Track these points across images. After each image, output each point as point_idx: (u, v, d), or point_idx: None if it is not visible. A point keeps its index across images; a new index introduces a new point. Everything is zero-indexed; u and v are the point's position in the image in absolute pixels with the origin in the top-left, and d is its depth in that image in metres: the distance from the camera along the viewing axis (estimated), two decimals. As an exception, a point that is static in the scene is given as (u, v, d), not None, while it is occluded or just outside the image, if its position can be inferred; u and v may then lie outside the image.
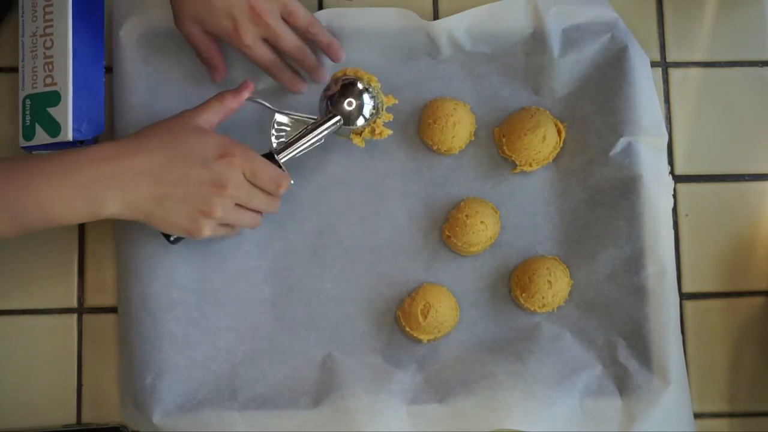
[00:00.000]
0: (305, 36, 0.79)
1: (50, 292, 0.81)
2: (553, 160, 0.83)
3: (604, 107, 0.82)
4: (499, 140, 0.83)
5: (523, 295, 0.80)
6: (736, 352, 0.83)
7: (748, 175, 0.85)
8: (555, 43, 0.83)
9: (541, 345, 0.80)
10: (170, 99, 0.82)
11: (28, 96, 0.79)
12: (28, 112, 0.79)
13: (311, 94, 0.82)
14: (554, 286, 0.80)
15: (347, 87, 0.78)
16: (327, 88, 0.79)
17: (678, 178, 0.84)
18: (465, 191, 0.83)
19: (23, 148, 0.79)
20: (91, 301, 0.82)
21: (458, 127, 0.81)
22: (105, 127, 0.80)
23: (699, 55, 0.86)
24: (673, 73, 0.86)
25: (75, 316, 0.81)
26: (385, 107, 0.79)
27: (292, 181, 0.76)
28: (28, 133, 0.78)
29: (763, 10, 0.87)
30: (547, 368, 0.78)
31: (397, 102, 0.80)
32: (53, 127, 0.78)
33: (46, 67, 0.78)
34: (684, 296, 0.83)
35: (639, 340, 0.79)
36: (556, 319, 0.81)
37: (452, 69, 0.84)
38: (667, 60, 0.86)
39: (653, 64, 0.85)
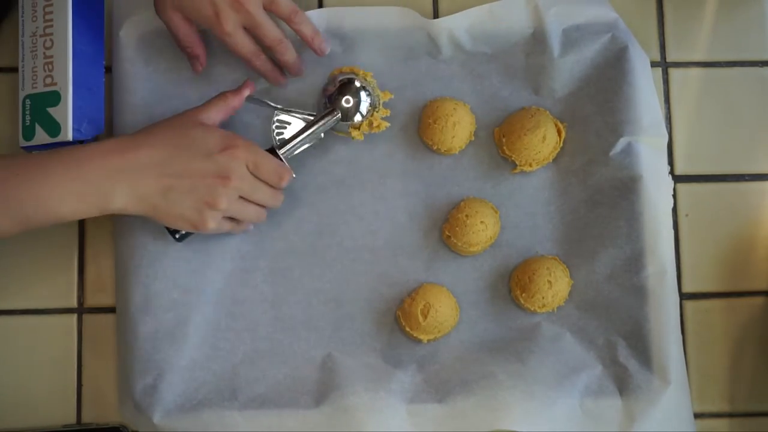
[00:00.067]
0: (288, 25, 0.79)
1: (50, 292, 0.81)
2: (553, 160, 0.83)
3: (604, 107, 0.82)
4: (499, 140, 0.83)
5: (523, 295, 0.80)
6: (736, 352, 0.83)
7: (748, 175, 0.85)
8: (555, 43, 0.82)
9: (541, 345, 0.80)
10: (170, 99, 0.82)
11: (28, 96, 0.79)
12: (28, 112, 0.79)
13: (311, 94, 0.83)
14: (554, 286, 0.80)
15: (345, 85, 0.81)
16: (325, 88, 0.81)
17: (678, 178, 0.84)
18: (465, 191, 0.83)
19: (23, 148, 0.79)
20: (90, 300, 0.82)
21: (458, 127, 0.81)
22: (105, 127, 0.80)
23: (699, 55, 0.86)
24: (673, 73, 0.86)
25: (75, 316, 0.81)
26: (381, 102, 0.82)
27: (293, 176, 0.77)
28: (28, 133, 0.78)
29: (763, 10, 0.87)
30: (547, 368, 0.78)
31: (393, 97, 0.82)
32: (53, 127, 0.78)
33: (46, 67, 0.78)
34: (684, 296, 0.83)
35: (639, 340, 0.79)
36: (556, 319, 0.81)
37: (452, 69, 0.84)
38: (667, 60, 0.86)
39: (653, 64, 0.85)
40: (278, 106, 0.80)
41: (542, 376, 0.78)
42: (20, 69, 0.79)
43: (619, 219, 0.81)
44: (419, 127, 0.83)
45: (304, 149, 0.80)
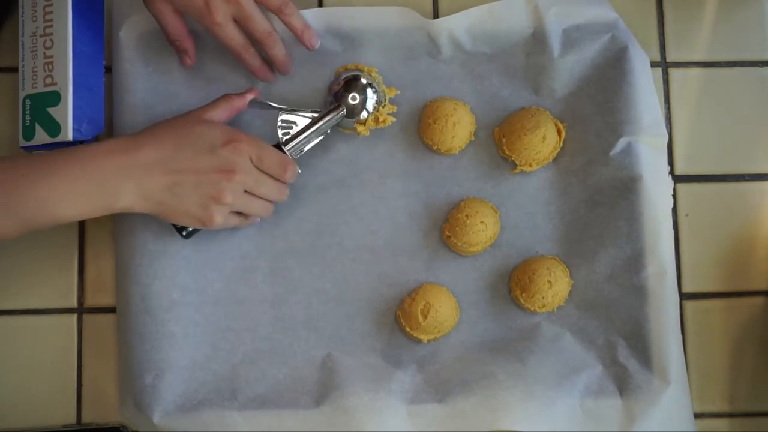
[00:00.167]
0: (279, 17, 0.79)
1: (50, 292, 0.81)
2: (553, 160, 0.83)
3: (604, 107, 0.82)
4: (499, 140, 0.83)
5: (523, 295, 0.80)
6: (736, 352, 0.83)
7: (748, 175, 0.85)
8: (555, 43, 0.82)
9: (541, 345, 0.80)
10: (170, 99, 0.82)
11: (28, 96, 0.79)
12: (28, 112, 0.79)
13: (313, 95, 0.83)
14: (554, 286, 0.80)
15: (350, 82, 0.81)
16: (330, 86, 0.82)
17: (678, 178, 0.84)
18: (465, 191, 0.83)
19: (23, 148, 0.79)
20: (90, 300, 0.82)
21: (458, 127, 0.81)
22: (105, 127, 0.80)
23: (699, 55, 0.86)
24: (673, 73, 0.86)
25: (75, 316, 0.81)
26: (387, 98, 0.82)
27: (299, 170, 0.78)
28: (28, 133, 0.78)
29: (762, 10, 0.87)
30: (547, 368, 0.78)
31: (399, 93, 0.82)
32: (53, 127, 0.78)
33: (46, 67, 0.78)
34: (684, 296, 0.83)
35: (639, 340, 0.79)
36: (556, 319, 0.81)
37: (452, 69, 0.84)
38: (667, 60, 0.86)
39: (653, 64, 0.85)
40: (282, 107, 0.80)
41: (542, 376, 0.78)
42: (20, 69, 0.79)
43: (619, 219, 0.81)
44: (419, 127, 0.83)
45: (312, 147, 0.80)
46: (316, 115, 0.80)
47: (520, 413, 0.76)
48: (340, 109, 0.80)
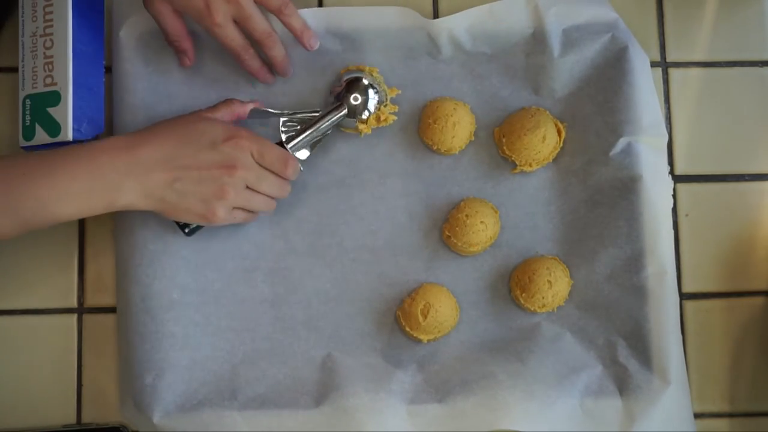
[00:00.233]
0: (278, 18, 0.78)
1: (50, 292, 0.81)
2: (553, 160, 0.83)
3: (604, 107, 0.82)
4: (499, 140, 0.83)
5: (523, 295, 0.80)
6: (736, 352, 0.83)
7: (748, 175, 0.85)
8: (555, 43, 0.82)
9: (541, 345, 0.80)
10: (170, 99, 0.82)
11: (28, 96, 0.79)
12: (28, 112, 0.79)
13: (314, 98, 0.83)
14: (554, 286, 0.80)
15: (352, 83, 0.81)
16: (332, 87, 0.82)
17: (678, 178, 0.84)
18: (465, 191, 0.83)
19: (23, 148, 0.79)
20: (91, 300, 0.82)
21: (458, 127, 0.81)
22: (105, 127, 0.80)
23: (699, 55, 0.86)
24: (673, 73, 0.86)
25: (75, 316, 0.81)
26: (389, 98, 0.82)
27: (301, 168, 0.78)
28: (28, 133, 0.78)
29: (763, 10, 0.87)
30: (547, 368, 0.78)
31: (400, 92, 0.83)
32: (53, 127, 0.78)
33: (46, 67, 0.78)
34: (684, 296, 0.83)
35: (639, 340, 0.79)
36: (556, 319, 0.81)
37: (452, 69, 0.84)
38: (667, 60, 0.86)
39: (653, 64, 0.85)
40: (284, 112, 0.81)
41: (542, 375, 0.78)
42: (20, 69, 0.79)
43: (619, 219, 0.81)
44: (419, 127, 0.83)
45: (316, 149, 0.81)
46: (317, 115, 0.80)
47: (520, 413, 0.76)
48: (341, 108, 0.80)
